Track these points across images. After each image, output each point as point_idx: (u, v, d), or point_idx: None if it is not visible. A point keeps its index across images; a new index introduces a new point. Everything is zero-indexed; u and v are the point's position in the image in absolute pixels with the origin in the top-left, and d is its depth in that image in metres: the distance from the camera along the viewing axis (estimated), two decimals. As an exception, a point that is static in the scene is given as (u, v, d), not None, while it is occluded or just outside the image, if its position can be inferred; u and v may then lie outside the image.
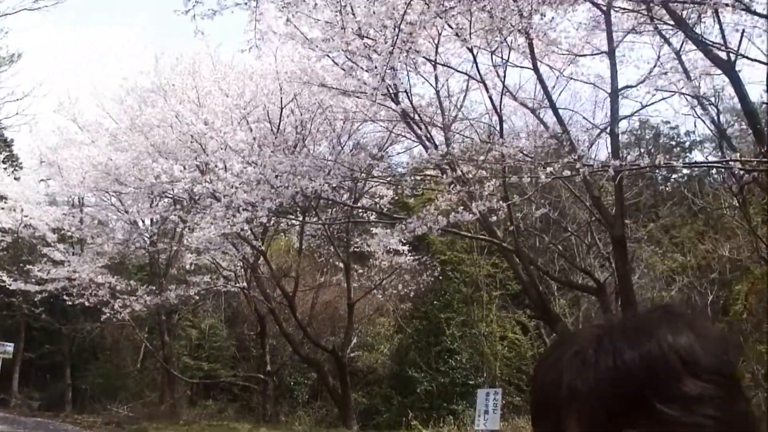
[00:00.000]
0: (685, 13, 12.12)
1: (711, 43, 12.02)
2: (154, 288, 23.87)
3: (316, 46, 13.00)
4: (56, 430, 20.75)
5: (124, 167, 21.00)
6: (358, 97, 14.71)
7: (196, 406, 27.71)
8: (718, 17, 12.33)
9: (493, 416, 14.58)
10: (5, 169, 28.48)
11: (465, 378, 22.97)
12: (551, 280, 19.90)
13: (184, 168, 18.38)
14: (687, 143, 28.55)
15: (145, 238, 26.81)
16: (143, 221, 26.35)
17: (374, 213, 20.00)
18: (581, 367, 0.96)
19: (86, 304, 24.25)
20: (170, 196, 22.34)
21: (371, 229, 19.38)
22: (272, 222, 20.02)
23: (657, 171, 23.06)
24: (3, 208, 27.02)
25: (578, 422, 0.94)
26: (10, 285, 25.73)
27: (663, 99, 15.45)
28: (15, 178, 28.32)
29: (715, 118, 15.04)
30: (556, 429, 0.96)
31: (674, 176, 27.72)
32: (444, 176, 14.90)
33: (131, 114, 22.05)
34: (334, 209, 20.85)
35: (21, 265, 26.68)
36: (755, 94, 25.40)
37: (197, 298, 25.19)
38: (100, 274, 24.23)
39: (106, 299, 23.70)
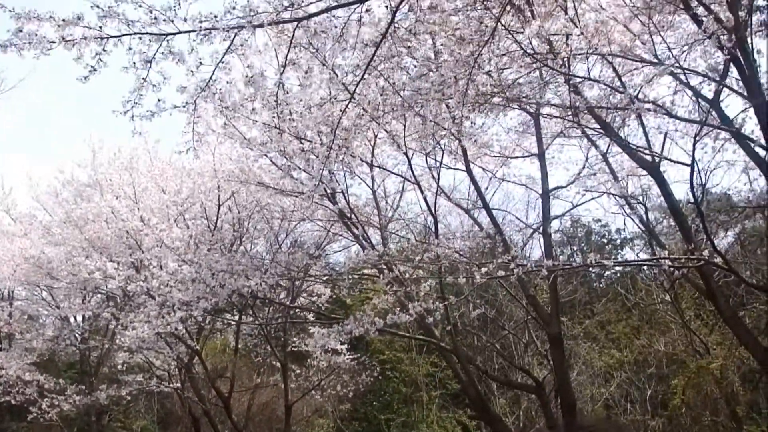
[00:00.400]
0: (610, 117, 12.57)
1: (635, 147, 12.46)
2: (84, 387, 23.06)
3: (254, 146, 13.07)
4: None
5: (57, 261, 20.54)
6: (295, 196, 14.76)
7: None
8: (642, 121, 12.82)
9: None
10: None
11: (405, 480, 22.53)
12: (490, 379, 19.85)
13: (119, 265, 18.05)
14: (618, 241, 29.14)
15: (77, 335, 26.04)
16: (75, 317, 25.67)
17: (312, 312, 19.82)
18: None
19: (12, 402, 23.30)
20: (103, 292, 21.84)
21: (309, 328, 19.16)
22: (208, 321, 19.71)
23: (591, 269, 23.44)
24: (-74, 301, 26.18)
25: None
26: (-68, 383, 24.68)
27: (593, 198, 15.93)
28: (-59, 270, 27.51)
29: (644, 216, 15.46)
30: None
31: (607, 273, 28.19)
32: (381, 276, 14.90)
33: (66, 207, 21.68)
34: (271, 308, 20.59)
35: (-56, 361, 25.67)
36: (681, 193, 26.28)
37: (129, 398, 24.38)
38: (28, 371, 23.38)
39: (33, 398, 22.82)
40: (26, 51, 7.57)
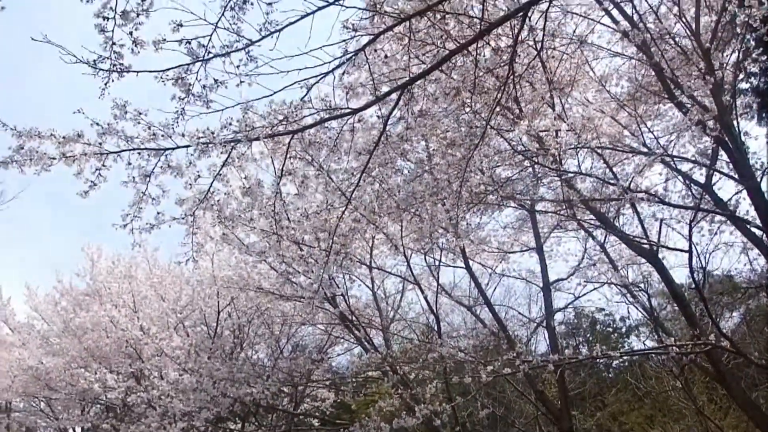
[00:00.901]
0: (605, 208, 12.59)
1: (632, 236, 12.45)
2: None
3: (253, 253, 13.05)
4: None
5: (55, 372, 20.31)
6: (295, 300, 14.67)
7: None
8: (636, 210, 12.85)
9: None
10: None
11: None
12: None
13: (119, 375, 17.86)
14: (623, 329, 28.82)
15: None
16: (74, 429, 25.26)
17: (316, 418, 19.45)
18: None
19: None
20: (103, 402, 21.54)
21: (315, 433, 18.81)
22: (210, 431, 19.32)
23: (598, 360, 23.14)
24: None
25: None
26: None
27: (594, 289, 15.85)
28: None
29: (647, 303, 15.32)
30: None
31: (616, 363, 27.79)
32: (386, 378, 14.70)
33: (65, 317, 21.56)
34: (275, 415, 20.19)
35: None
36: (682, 276, 26.13)
37: None
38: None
39: None
40: (27, 167, 7.65)
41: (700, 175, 11.25)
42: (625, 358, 26.32)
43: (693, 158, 11.21)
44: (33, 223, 60.78)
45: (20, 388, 22.24)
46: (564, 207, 12.56)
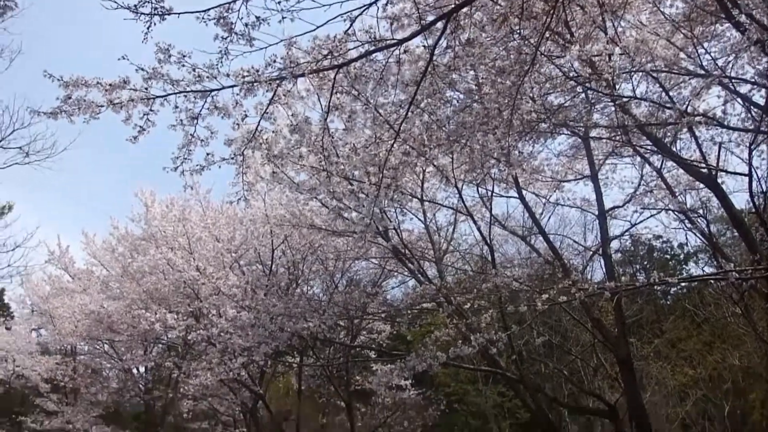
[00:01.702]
0: (661, 133, 12.23)
1: (690, 161, 12.09)
2: (150, 437, 23.25)
3: (304, 190, 13.03)
4: None
5: (116, 315, 20.83)
6: (348, 236, 14.67)
7: None
8: (694, 134, 12.45)
9: None
10: (-5, 319, 28.34)
11: None
12: (561, 407, 19.37)
13: (178, 315, 18.20)
14: (681, 256, 28.44)
15: (140, 386, 26.33)
16: (137, 369, 25.98)
17: (373, 350, 19.64)
18: None
19: (80, 458, 23.64)
20: (164, 342, 22.07)
21: (371, 366, 18.99)
22: (269, 365, 19.68)
23: (655, 287, 22.87)
24: (-6, 359, 26.75)
25: None
26: (2, 439, 25.24)
27: (651, 216, 15.49)
28: (6, 328, 28.11)
29: (705, 229, 14.95)
30: None
31: (673, 290, 27.48)
32: (441, 309, 14.72)
33: (123, 262, 22.02)
34: (332, 348, 20.47)
35: (13, 416, 26.21)
36: (742, 202, 25.54)
37: (196, 446, 24.54)
38: (95, 425, 23.76)
39: (102, 451, 23.13)
40: (76, 116, 7.68)
41: (759, 96, 10.79)
42: (683, 284, 26.03)
43: (752, 79, 10.75)
44: (86, 172, 61.90)
45: (84, 332, 22.89)
46: (619, 133, 12.23)
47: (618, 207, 15.13)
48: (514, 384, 16.20)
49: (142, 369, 26.54)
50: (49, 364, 26.39)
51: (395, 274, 18.83)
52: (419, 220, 15.35)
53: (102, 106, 7.64)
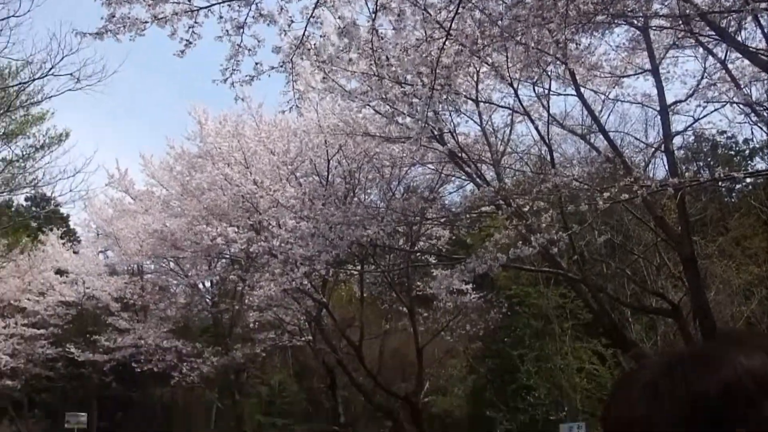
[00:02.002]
0: (725, 22, 11.68)
1: (756, 50, 11.56)
2: (220, 348, 23.92)
3: (356, 97, 12.86)
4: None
5: (179, 232, 21.20)
6: (403, 142, 14.52)
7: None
8: (760, 22, 11.87)
9: (579, 451, 14.14)
10: (64, 244, 29.16)
11: (545, 414, 22.29)
12: (623, 306, 19.24)
13: (239, 229, 18.42)
14: (746, 151, 27.61)
15: (207, 300, 26.99)
16: (203, 283, 26.58)
17: (433, 255, 19.66)
18: (654, 398, 0.93)
19: (155, 369, 24.48)
20: (227, 256, 22.43)
21: (432, 271, 19.05)
22: (331, 273, 19.89)
23: (720, 183, 22.32)
24: (65, 282, 27.61)
25: None
26: (78, 356, 26.30)
27: (715, 110, 14.97)
28: (74, 252, 28.99)
29: (772, 122, 14.42)
30: None
31: (738, 186, 26.82)
32: (500, 212, 14.60)
33: (181, 180, 22.28)
34: (392, 255, 20.55)
35: (87, 336, 27.26)
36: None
37: (264, 354, 25.17)
38: (166, 339, 24.49)
39: (174, 363, 23.91)
40: (122, 35, 7.61)
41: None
42: (748, 180, 25.37)
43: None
44: (138, 94, 62.36)
45: (149, 251, 23.41)
46: (680, 23, 11.72)
47: (680, 101, 14.61)
48: (576, 285, 16.12)
49: (207, 284, 27.17)
50: (118, 284, 27.22)
51: (452, 178, 18.69)
52: (475, 122, 15.08)
53: (146, 22, 7.56)
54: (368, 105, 13.35)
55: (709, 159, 26.95)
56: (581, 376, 22.44)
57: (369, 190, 19.23)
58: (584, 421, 16.61)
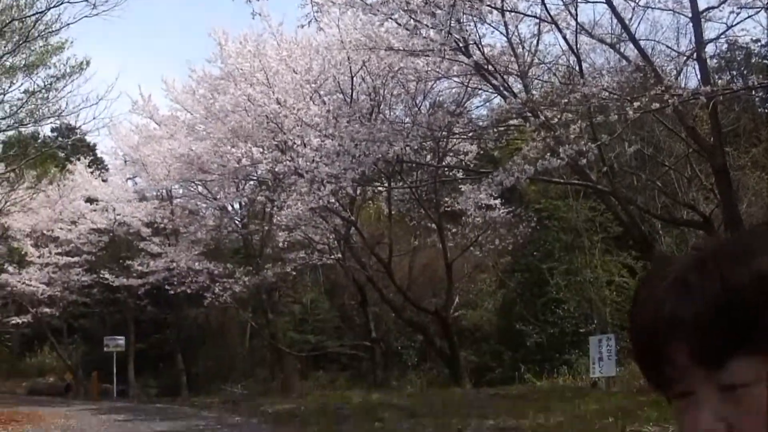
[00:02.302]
0: None
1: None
2: (251, 269, 24.14)
3: (377, 10, 12.57)
4: (176, 414, 21.24)
5: (205, 155, 21.19)
6: (427, 55, 14.23)
7: (308, 379, 28.02)
8: None
9: (608, 363, 14.20)
10: (92, 172, 29.39)
11: (575, 327, 22.36)
12: (654, 219, 19.04)
13: (264, 149, 18.35)
14: (782, 60, 26.75)
15: (236, 222, 27.18)
16: (232, 206, 26.75)
17: (460, 170, 19.49)
18: (684, 293, 0.87)
19: (188, 291, 24.90)
20: (255, 178, 22.45)
21: (460, 186, 18.92)
22: (358, 191, 19.85)
23: (753, 93, 21.72)
24: (96, 210, 27.94)
25: (685, 352, 0.86)
26: (113, 282, 26.80)
27: (749, 17, 14.44)
28: (103, 180, 29.24)
29: (809, 29, 13.86)
30: (661, 363, 0.89)
31: (773, 95, 26.09)
32: (527, 124, 14.37)
33: (205, 103, 22.18)
34: (419, 171, 20.43)
35: (121, 261, 27.68)
36: None
37: (294, 273, 25.44)
38: (198, 262, 24.78)
39: (206, 285, 24.24)
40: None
41: None
42: (783, 88, 24.66)
43: None
44: (157, 19, 61.76)
45: (177, 176, 23.51)
46: None
47: (713, 8, 14.07)
48: (606, 197, 15.96)
49: (236, 205, 27.32)
50: (148, 210, 27.52)
51: (479, 92, 18.38)
52: (501, 33, 14.72)
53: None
54: (390, 18, 13.05)
55: (742, 68, 26.17)
56: (611, 289, 22.40)
57: (394, 106, 19.01)
58: (613, 333, 16.59)
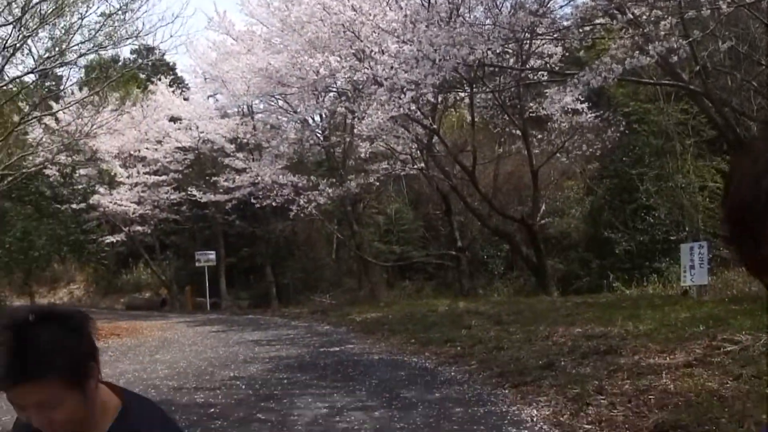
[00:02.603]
0: None
1: None
2: (334, 181, 24.21)
3: None
4: (267, 324, 21.75)
5: (283, 68, 21.04)
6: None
7: (394, 288, 28.30)
8: None
9: (700, 271, 13.74)
10: (173, 92, 29.71)
11: (665, 234, 21.73)
12: (749, 121, 18.11)
13: (341, 58, 18.07)
14: None
15: (318, 135, 27.20)
16: (312, 118, 26.80)
17: (544, 73, 18.82)
18: None
19: (273, 204, 25.21)
20: (334, 89, 22.27)
21: (544, 91, 18.32)
22: (439, 98, 19.46)
23: None
24: (180, 129, 28.37)
25: None
26: (201, 198, 27.43)
27: None
28: (185, 99, 29.58)
29: None
30: (758, 244, 0.83)
31: None
32: (614, 22, 13.69)
33: (280, 15, 21.86)
34: (502, 75, 19.80)
35: (207, 178, 28.28)
36: None
37: (378, 184, 25.46)
38: (281, 175, 25.05)
39: (291, 197, 24.48)
40: None
41: None
42: None
43: None
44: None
45: (256, 90, 23.53)
46: None
47: None
48: (698, 99, 15.27)
49: (317, 118, 27.32)
50: (230, 126, 27.95)
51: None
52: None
53: None
54: None
55: None
56: (703, 194, 21.59)
57: (474, 8, 18.32)
58: (706, 240, 15.98)
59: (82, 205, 27.83)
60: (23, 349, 1.63)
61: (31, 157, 20.06)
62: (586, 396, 7.93)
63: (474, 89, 19.09)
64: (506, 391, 9.13)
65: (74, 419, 1.73)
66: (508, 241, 23.47)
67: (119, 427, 1.84)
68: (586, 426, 7.10)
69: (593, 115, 20.45)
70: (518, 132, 21.27)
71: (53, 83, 22.50)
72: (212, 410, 9.17)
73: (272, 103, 26.43)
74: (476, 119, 22.31)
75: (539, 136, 21.36)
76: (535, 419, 7.64)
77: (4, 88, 18.17)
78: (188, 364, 13.61)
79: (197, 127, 28.37)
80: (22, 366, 1.63)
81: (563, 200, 26.08)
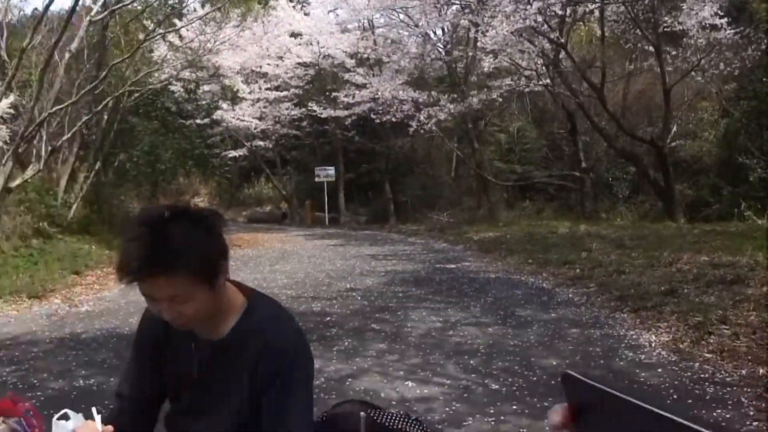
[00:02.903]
0: None
1: None
2: (455, 96, 23.77)
3: None
4: (384, 239, 21.87)
5: (407, -20, 20.55)
6: None
7: (514, 209, 27.79)
8: None
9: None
10: (294, 7, 29.64)
11: (807, 161, 20.36)
12: None
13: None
14: None
15: (439, 49, 26.69)
16: (434, 32, 26.35)
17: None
18: None
19: (393, 120, 25.03)
20: (457, 1, 21.61)
21: (681, 4, 17.20)
22: (568, 11, 18.63)
23: None
24: (300, 44, 28.40)
25: None
26: (321, 114, 27.57)
27: None
28: (305, 14, 29.48)
29: None
30: None
31: None
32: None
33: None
34: None
35: (327, 93, 28.29)
36: None
37: (500, 101, 24.77)
38: (402, 90, 24.80)
39: (411, 113, 24.23)
40: None
41: None
42: None
43: None
44: None
45: (377, 4, 24.18)
46: None
47: None
48: None
49: (439, 32, 26.76)
50: (351, 41, 27.73)
51: None
52: None
53: None
54: None
55: None
56: None
57: None
58: None
59: (206, 120, 28.61)
60: (158, 244, 1.71)
61: (156, 74, 20.49)
62: (708, 325, 7.53)
63: (605, 0, 18.15)
64: (625, 315, 8.80)
65: (202, 314, 1.85)
66: (635, 164, 22.55)
67: (243, 324, 1.97)
68: (707, 355, 6.72)
69: (732, 31, 19.05)
70: (651, 48, 20.12)
71: (176, 0, 22.80)
72: (328, 318, 9.30)
73: (393, 17, 26.07)
74: (606, 33, 21.28)
75: (673, 53, 20.14)
76: (653, 344, 7.30)
77: (130, 6, 18.46)
78: (306, 274, 13.81)
79: (318, 43, 28.26)
80: (157, 259, 1.71)
81: (696, 122, 24.73)
